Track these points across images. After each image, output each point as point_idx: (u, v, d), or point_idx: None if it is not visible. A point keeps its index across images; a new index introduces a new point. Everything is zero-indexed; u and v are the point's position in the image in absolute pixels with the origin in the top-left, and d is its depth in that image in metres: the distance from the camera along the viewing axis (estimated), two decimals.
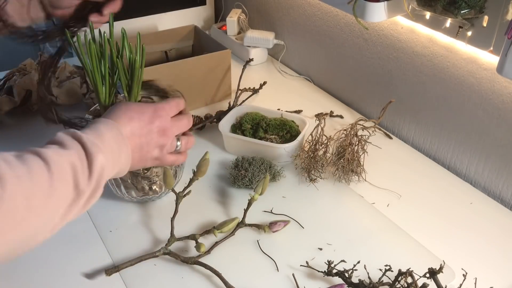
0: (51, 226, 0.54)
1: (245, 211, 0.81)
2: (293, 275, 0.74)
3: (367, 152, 0.94)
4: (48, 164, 0.52)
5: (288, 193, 0.90)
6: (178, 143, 0.72)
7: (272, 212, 0.86)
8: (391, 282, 0.68)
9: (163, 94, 0.81)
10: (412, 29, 0.98)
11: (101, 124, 0.62)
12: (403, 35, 1.01)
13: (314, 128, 0.96)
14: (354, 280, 0.70)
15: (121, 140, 0.63)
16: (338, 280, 0.71)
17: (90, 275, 0.74)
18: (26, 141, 1.01)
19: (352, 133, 0.93)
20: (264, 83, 1.21)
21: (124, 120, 0.65)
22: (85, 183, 0.55)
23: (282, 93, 1.24)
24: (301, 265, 0.76)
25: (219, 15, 1.57)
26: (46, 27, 0.77)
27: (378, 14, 0.84)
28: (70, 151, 0.55)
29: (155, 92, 0.82)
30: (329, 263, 0.72)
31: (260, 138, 0.98)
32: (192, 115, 1.07)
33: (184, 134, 0.75)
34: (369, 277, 0.70)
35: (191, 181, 0.81)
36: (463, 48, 0.90)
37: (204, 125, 1.07)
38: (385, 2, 0.83)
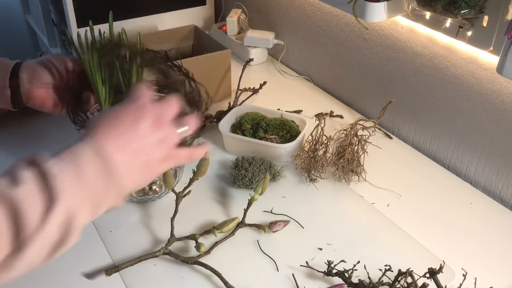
0: None
1: (245, 211, 0.81)
2: (293, 275, 0.74)
3: (367, 152, 0.94)
4: None
5: (288, 193, 0.90)
6: (182, 129, 0.60)
7: (272, 212, 0.86)
8: (391, 282, 0.68)
9: (166, 80, 0.71)
10: (412, 29, 0.98)
11: (81, 152, 0.50)
12: (403, 35, 1.01)
13: (314, 128, 0.96)
14: (354, 280, 0.70)
15: (106, 173, 0.51)
16: (338, 280, 0.71)
17: (90, 275, 0.74)
18: (26, 141, 1.01)
19: (352, 133, 0.93)
20: (264, 83, 1.21)
21: (107, 140, 0.53)
22: (31, 232, 0.44)
23: (282, 93, 1.24)
24: (301, 265, 0.76)
25: (219, 15, 1.57)
26: None
27: (378, 14, 0.84)
28: (18, 190, 0.44)
29: (157, 73, 0.72)
30: (329, 263, 0.72)
31: (260, 138, 0.98)
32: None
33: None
34: (369, 277, 0.70)
35: (191, 181, 0.81)
36: (463, 48, 0.90)
37: (204, 125, 1.07)
38: (385, 2, 0.83)
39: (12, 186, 0.45)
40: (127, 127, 0.55)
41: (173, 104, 0.60)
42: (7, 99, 0.82)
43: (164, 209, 0.86)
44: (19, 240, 0.44)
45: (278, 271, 0.75)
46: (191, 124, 0.61)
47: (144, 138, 0.55)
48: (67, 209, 0.47)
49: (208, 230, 0.80)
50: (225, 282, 0.71)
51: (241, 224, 0.81)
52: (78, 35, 0.75)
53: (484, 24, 0.77)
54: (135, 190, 0.58)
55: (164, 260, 0.76)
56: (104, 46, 0.72)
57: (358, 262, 0.72)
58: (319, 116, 1.01)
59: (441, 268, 0.66)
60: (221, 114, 1.06)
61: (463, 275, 0.67)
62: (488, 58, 0.86)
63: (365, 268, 0.71)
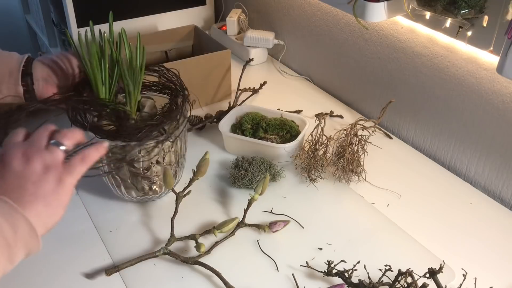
0: None
1: (245, 211, 0.81)
2: (293, 275, 0.74)
3: (367, 152, 0.94)
4: None
5: (288, 193, 0.90)
6: (62, 147, 0.59)
7: (272, 212, 0.86)
8: (391, 282, 0.68)
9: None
10: (412, 29, 0.98)
11: None
12: (403, 35, 1.01)
13: (314, 128, 0.96)
14: (354, 280, 0.70)
15: (4, 213, 0.51)
16: (338, 280, 0.71)
17: (90, 275, 0.74)
18: None
19: (352, 133, 0.93)
20: (264, 83, 1.21)
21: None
22: None
23: (282, 93, 1.24)
24: (301, 265, 0.76)
25: (219, 15, 1.57)
26: None
27: (378, 14, 0.84)
28: None
29: None
30: (329, 263, 0.72)
31: (260, 138, 0.98)
32: (192, 115, 1.07)
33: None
34: (369, 277, 0.70)
35: (191, 181, 0.81)
36: (463, 48, 0.90)
37: (204, 125, 1.07)
38: (385, 2, 0.83)
39: None
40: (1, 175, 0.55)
41: (42, 131, 0.60)
42: (20, 95, 0.83)
43: (164, 209, 0.86)
44: None
45: (278, 271, 0.75)
46: (70, 137, 0.60)
47: (24, 174, 0.55)
48: None
49: (208, 230, 0.80)
50: (225, 282, 0.71)
51: (241, 224, 0.81)
52: (78, 35, 0.75)
53: (484, 24, 0.77)
54: (52, 223, 0.56)
55: (164, 260, 0.76)
56: None
57: (358, 262, 0.72)
58: (319, 116, 1.01)
59: (441, 268, 0.66)
60: (221, 114, 1.06)
61: (463, 275, 0.67)
62: (488, 58, 0.86)
63: (365, 268, 0.71)
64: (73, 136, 0.61)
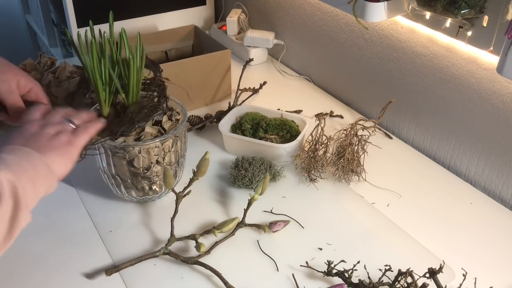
0: None
1: (245, 211, 0.81)
2: (293, 275, 0.74)
3: (367, 152, 0.94)
4: None
5: (288, 193, 0.90)
6: (72, 124, 0.70)
7: (272, 212, 0.86)
8: (391, 282, 0.68)
9: None
10: (412, 29, 0.98)
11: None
12: (403, 35, 1.01)
13: (314, 128, 0.96)
14: (354, 280, 0.70)
15: (23, 154, 0.61)
16: (338, 280, 0.71)
17: (90, 275, 0.74)
18: None
19: (352, 133, 0.93)
20: (264, 83, 1.21)
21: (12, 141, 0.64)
22: None
23: (282, 93, 1.24)
24: (301, 265, 0.76)
25: (219, 15, 1.58)
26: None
27: (378, 14, 0.84)
28: None
29: None
30: (329, 263, 0.72)
31: (260, 138, 0.98)
32: (192, 115, 1.07)
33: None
34: (369, 277, 0.70)
35: (191, 181, 0.81)
36: (463, 48, 0.90)
37: (204, 125, 1.07)
38: (385, 2, 0.83)
39: None
40: (17, 136, 0.65)
41: (57, 112, 0.71)
42: None
43: (164, 209, 0.86)
44: None
45: (278, 271, 0.75)
46: (80, 117, 0.71)
47: (40, 134, 0.65)
48: (7, 179, 0.55)
49: (208, 230, 0.80)
50: (225, 282, 0.71)
51: (241, 224, 0.81)
52: (78, 35, 0.75)
53: (484, 24, 0.77)
54: (64, 171, 0.65)
55: (164, 260, 0.76)
56: None
57: (358, 262, 0.72)
58: (319, 116, 1.01)
59: (441, 268, 0.66)
60: (221, 114, 1.07)
61: (463, 275, 0.67)
62: (488, 58, 0.86)
63: (365, 268, 0.71)
64: (84, 117, 0.72)
